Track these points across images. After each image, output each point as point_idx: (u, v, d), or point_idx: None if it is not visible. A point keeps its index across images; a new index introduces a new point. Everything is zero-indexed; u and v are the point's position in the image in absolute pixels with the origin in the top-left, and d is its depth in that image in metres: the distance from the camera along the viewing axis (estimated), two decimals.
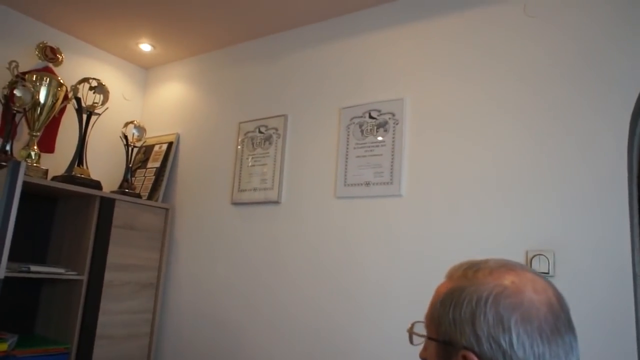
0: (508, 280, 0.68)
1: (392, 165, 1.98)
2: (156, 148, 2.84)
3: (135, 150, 2.71)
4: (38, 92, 2.31)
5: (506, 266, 0.71)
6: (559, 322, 0.66)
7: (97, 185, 2.36)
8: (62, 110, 2.51)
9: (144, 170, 2.80)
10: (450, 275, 0.76)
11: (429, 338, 0.74)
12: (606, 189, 1.55)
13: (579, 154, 1.62)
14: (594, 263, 1.52)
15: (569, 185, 1.62)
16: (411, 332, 0.79)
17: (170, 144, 2.79)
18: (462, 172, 1.84)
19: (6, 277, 1.78)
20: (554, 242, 1.61)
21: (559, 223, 1.61)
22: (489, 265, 0.72)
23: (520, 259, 1.63)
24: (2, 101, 2.23)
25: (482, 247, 1.73)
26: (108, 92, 2.50)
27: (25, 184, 1.86)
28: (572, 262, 1.56)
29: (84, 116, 2.44)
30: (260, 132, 2.43)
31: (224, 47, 2.74)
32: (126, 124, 2.66)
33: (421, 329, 0.77)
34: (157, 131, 2.89)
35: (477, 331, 0.65)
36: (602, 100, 1.61)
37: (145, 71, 3.08)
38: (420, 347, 0.78)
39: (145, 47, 2.77)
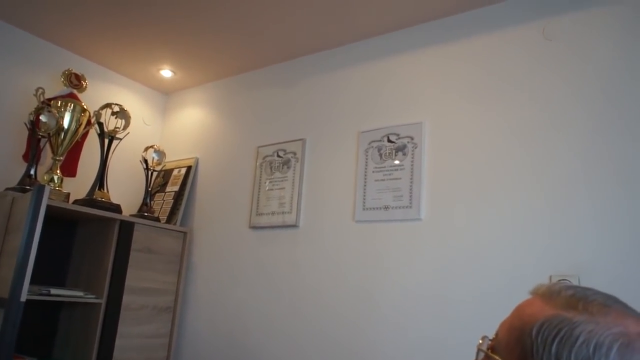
0: (633, 328, 0.57)
1: (411, 189, 1.97)
2: (175, 172, 2.87)
3: (155, 174, 2.74)
4: (62, 118, 2.36)
5: (619, 303, 0.62)
6: None
7: (117, 208, 2.38)
8: (85, 135, 2.56)
9: (163, 194, 2.83)
10: (547, 298, 0.64)
11: None
12: (634, 213, 1.52)
13: (604, 177, 1.59)
14: (622, 289, 1.47)
15: (593, 209, 1.59)
16: (480, 349, 0.68)
17: (189, 168, 2.82)
18: (481, 195, 1.82)
19: (27, 300, 1.79)
20: (579, 267, 1.57)
21: (584, 247, 1.58)
22: (598, 298, 0.62)
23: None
24: (29, 126, 2.28)
25: (504, 271, 1.70)
26: (130, 117, 2.54)
27: (47, 207, 1.88)
28: (598, 287, 1.51)
29: (106, 141, 2.48)
30: (278, 156, 2.44)
31: (243, 73, 2.78)
32: (146, 149, 2.70)
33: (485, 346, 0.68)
34: (176, 155, 2.93)
35: None
36: (629, 123, 1.59)
37: (165, 96, 3.14)
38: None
39: (166, 73, 2.83)
